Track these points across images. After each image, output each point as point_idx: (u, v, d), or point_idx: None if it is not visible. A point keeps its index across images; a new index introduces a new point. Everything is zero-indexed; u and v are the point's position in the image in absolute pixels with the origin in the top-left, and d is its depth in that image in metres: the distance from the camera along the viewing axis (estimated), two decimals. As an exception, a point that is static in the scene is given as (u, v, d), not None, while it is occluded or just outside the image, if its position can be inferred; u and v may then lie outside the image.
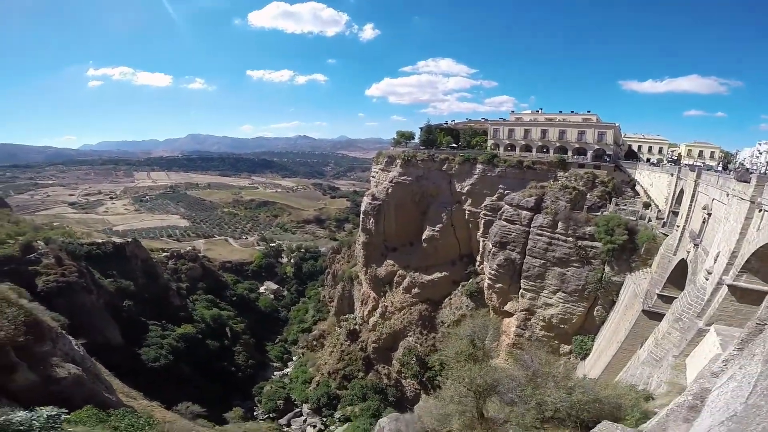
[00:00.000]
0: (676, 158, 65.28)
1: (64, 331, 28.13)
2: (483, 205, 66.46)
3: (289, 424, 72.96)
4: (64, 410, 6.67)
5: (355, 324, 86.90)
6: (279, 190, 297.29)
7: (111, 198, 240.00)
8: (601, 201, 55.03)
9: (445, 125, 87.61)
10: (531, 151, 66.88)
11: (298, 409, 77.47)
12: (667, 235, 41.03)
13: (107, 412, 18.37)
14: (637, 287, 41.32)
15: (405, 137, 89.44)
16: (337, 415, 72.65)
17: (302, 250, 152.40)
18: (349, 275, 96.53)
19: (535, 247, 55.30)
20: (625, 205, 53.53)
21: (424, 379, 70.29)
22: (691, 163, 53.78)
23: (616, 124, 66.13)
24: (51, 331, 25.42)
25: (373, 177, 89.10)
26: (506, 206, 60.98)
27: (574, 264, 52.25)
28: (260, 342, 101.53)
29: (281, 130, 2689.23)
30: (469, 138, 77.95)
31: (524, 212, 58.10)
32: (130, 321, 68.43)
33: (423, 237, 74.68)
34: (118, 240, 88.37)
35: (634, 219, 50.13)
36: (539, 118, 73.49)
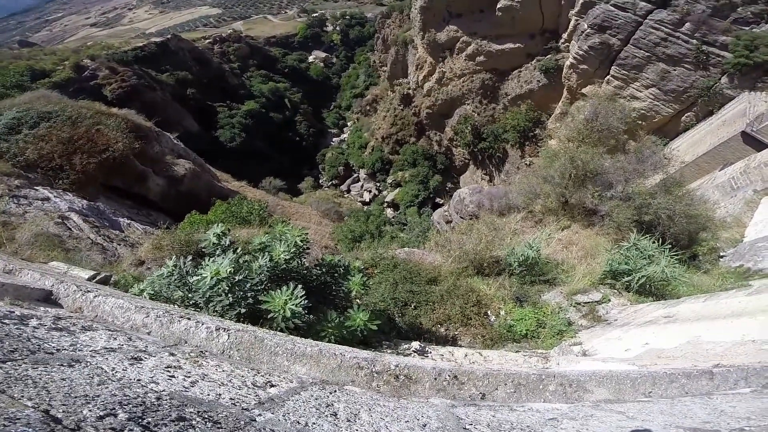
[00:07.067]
0: None
1: (159, 128, 29.92)
2: (585, -17, 51.34)
3: (348, 190, 79.44)
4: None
5: (409, 89, 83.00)
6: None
7: (129, 9, 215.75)
8: (755, 18, 41.08)
9: None
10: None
11: (356, 175, 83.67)
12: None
13: (228, 201, 20.13)
14: (750, 107, 35.31)
15: None
16: (389, 180, 77.53)
17: (347, 17, 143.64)
18: (403, 39, 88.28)
19: (644, 38, 46.01)
20: (788, 26, 39.02)
21: (475, 149, 73.74)
22: None
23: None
24: (152, 131, 26.99)
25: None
26: (618, -9, 47.45)
27: (686, 65, 44.27)
28: (317, 110, 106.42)
29: None
30: None
31: (642, 2, 46.06)
32: (199, 107, 72.65)
33: (498, 6, 62.45)
34: (158, 39, 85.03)
35: (792, 42, 37.45)
36: None
